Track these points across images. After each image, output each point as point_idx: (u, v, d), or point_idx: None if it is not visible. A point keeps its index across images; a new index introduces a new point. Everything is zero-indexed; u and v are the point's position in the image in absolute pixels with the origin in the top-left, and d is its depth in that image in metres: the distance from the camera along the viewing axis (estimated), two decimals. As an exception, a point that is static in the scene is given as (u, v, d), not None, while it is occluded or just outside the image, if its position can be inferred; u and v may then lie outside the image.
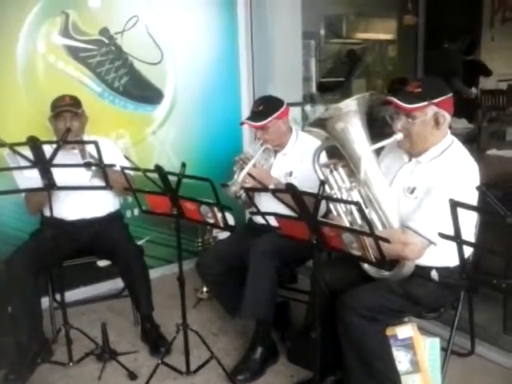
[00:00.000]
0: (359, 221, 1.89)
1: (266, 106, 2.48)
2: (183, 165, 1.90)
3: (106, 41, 3.05)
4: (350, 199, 1.88)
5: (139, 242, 3.34)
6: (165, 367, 2.24)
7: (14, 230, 2.85)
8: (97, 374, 2.36)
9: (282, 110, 2.50)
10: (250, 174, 2.32)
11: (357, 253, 1.52)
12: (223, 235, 3.37)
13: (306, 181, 2.21)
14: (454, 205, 1.15)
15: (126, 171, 2.20)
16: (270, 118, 2.44)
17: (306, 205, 1.55)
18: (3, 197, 2.57)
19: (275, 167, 2.59)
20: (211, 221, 1.98)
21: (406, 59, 6.95)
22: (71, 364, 2.37)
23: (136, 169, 2.12)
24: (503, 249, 1.19)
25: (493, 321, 2.56)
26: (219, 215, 1.92)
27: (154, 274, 3.24)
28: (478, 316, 2.38)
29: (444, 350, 2.11)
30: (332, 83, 6.42)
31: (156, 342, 2.53)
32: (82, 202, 2.58)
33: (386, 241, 1.40)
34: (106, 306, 3.05)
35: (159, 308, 2.74)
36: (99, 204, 2.64)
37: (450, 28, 6.52)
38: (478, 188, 1.13)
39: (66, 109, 2.53)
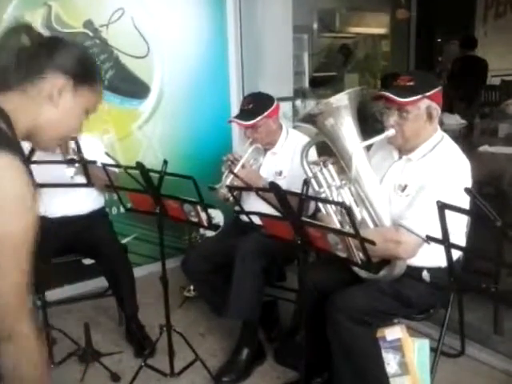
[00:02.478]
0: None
1: (256, 104, 2.41)
2: (165, 162, 1.83)
3: (91, 34, 2.97)
4: (339, 198, 1.83)
5: (125, 240, 3.29)
6: (149, 369, 2.19)
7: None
8: (79, 376, 2.30)
9: (272, 108, 2.44)
10: (237, 176, 2.25)
11: (342, 254, 1.47)
12: (211, 233, 3.32)
13: (296, 180, 2.15)
14: (442, 207, 1.09)
15: (110, 169, 2.14)
16: (259, 117, 2.37)
17: (289, 204, 1.50)
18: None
19: (264, 167, 2.53)
20: (195, 219, 1.92)
21: (400, 54, 6.90)
22: (52, 366, 2.31)
23: (117, 166, 2.06)
24: (493, 252, 1.14)
25: (483, 320, 2.52)
26: (203, 214, 1.86)
27: (140, 271, 3.19)
28: (468, 315, 2.33)
29: (434, 350, 2.07)
30: (324, 78, 6.37)
31: (141, 342, 2.48)
32: (65, 199, 2.51)
33: (372, 243, 1.35)
34: (91, 305, 2.99)
35: (145, 307, 2.69)
36: (82, 201, 2.57)
37: (442, 23, 6.49)
38: (467, 190, 1.07)
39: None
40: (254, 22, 3.54)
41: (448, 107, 4.50)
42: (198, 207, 1.85)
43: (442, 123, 4.57)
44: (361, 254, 1.45)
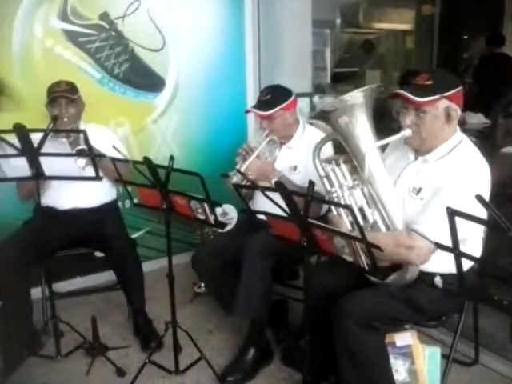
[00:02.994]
0: (361, 222, 1.79)
1: (274, 96, 2.37)
2: (171, 158, 1.80)
3: (106, 26, 2.95)
4: (351, 198, 1.78)
5: (138, 234, 3.29)
6: (153, 365, 2.17)
7: (12, 218, 2.78)
8: (85, 369, 2.30)
9: (290, 100, 2.40)
10: (244, 175, 2.21)
11: (349, 258, 1.42)
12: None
13: (310, 176, 2.09)
14: (452, 214, 1.03)
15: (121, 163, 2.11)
16: (276, 108, 2.34)
17: (295, 204, 1.45)
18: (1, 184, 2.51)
19: (279, 160, 2.48)
20: (202, 217, 1.89)
21: (424, 51, 6.75)
22: (59, 358, 2.31)
23: (125, 160, 2.04)
24: (506, 263, 1.07)
25: (499, 327, 2.44)
26: (209, 211, 1.82)
27: (152, 265, 3.19)
28: (483, 321, 2.25)
29: (447, 357, 2.00)
30: (346, 74, 6.27)
31: (148, 337, 2.47)
32: (76, 191, 2.50)
33: (378, 248, 1.29)
34: (102, 297, 2.98)
35: (155, 301, 2.68)
36: (94, 194, 2.55)
37: (469, 19, 6.30)
38: (478, 197, 1.01)
39: (62, 95, 2.45)
40: (273, 16, 3.48)
41: (472, 106, 4.38)
42: (205, 205, 1.81)
43: (464, 122, 4.48)
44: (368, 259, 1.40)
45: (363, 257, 1.37)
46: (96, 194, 2.57)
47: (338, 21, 6.33)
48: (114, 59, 3.02)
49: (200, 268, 2.43)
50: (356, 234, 1.36)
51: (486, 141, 3.71)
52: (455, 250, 1.10)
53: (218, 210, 3.24)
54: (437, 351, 1.98)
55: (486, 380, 2.21)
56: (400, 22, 6.80)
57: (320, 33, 5.89)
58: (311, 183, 1.39)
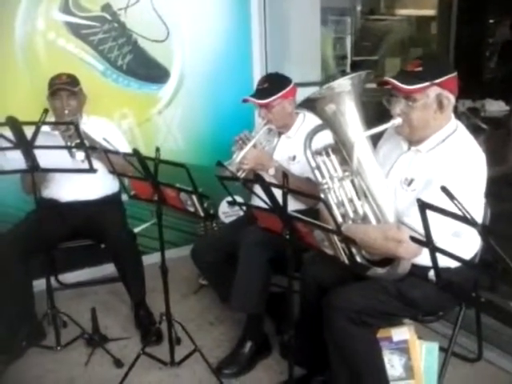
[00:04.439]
0: (351, 214, 1.74)
1: (272, 84, 2.33)
2: (157, 149, 1.78)
3: (109, 17, 2.95)
4: (341, 190, 1.73)
5: (145, 225, 3.29)
6: (147, 357, 2.17)
7: (16, 209, 2.83)
8: (84, 360, 2.33)
9: (288, 88, 2.34)
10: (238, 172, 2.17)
11: (329, 252, 1.38)
12: (229, 219, 3.27)
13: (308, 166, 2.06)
14: (423, 206, 0.98)
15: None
16: (274, 97, 2.29)
17: (275, 197, 1.41)
18: (4, 176, 2.54)
19: (278, 150, 2.44)
20: (191, 209, 1.87)
21: (446, 36, 6.54)
22: (59, 348, 2.34)
23: (116, 152, 2.02)
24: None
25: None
26: (197, 203, 1.80)
27: (156, 257, 3.18)
28: (487, 316, 2.17)
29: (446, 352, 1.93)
30: (365, 62, 6.15)
31: (148, 329, 2.47)
32: (78, 184, 2.51)
33: (353, 242, 1.24)
34: (108, 289, 3.00)
35: (156, 294, 2.67)
36: (95, 186, 2.57)
37: (495, 2, 6.07)
38: (443, 189, 0.96)
39: (62, 87, 2.46)
40: (280, 4, 3.42)
41: (495, 93, 4.24)
42: (194, 197, 1.79)
43: (484, 110, 4.33)
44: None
45: (343, 250, 1.32)
46: (98, 186, 2.58)
47: (359, 8, 6.21)
48: (117, 51, 3.02)
49: (199, 260, 2.42)
50: (333, 226, 1.32)
51: (503, 128, 3.59)
52: (429, 244, 1.05)
53: (223, 203, 3.25)
54: (435, 347, 1.91)
55: (489, 377, 2.14)
56: (423, 8, 6.61)
57: (340, 21, 5.80)
58: (285, 175, 1.35)
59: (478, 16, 6.37)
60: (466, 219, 0.89)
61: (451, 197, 0.91)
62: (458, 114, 3.53)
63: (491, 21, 6.63)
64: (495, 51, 5.83)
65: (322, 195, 1.73)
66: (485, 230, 0.86)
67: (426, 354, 1.91)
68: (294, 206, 2.00)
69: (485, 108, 4.35)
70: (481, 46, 6.43)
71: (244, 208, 1.73)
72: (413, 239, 1.14)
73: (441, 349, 1.91)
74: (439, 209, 0.97)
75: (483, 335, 2.16)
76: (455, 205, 0.92)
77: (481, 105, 4.38)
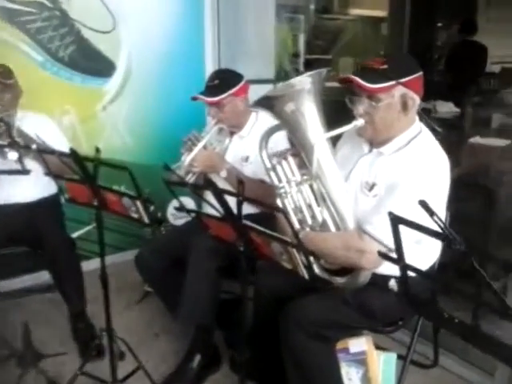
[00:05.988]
0: (309, 220, 1.63)
1: (222, 81, 2.20)
2: (97, 150, 1.60)
3: (49, 4, 2.72)
4: (299, 195, 1.62)
5: (85, 229, 3.07)
6: (86, 376, 1.98)
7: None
8: (15, 382, 2.10)
9: (239, 86, 2.23)
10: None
11: (287, 265, 1.26)
12: (179, 221, 3.10)
13: (262, 167, 1.93)
14: (395, 220, 0.88)
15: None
16: (225, 94, 2.18)
17: (227, 204, 1.28)
18: None
19: (230, 151, 2.31)
20: (135, 215, 1.70)
21: (397, 37, 6.62)
22: (-15, 370, 2.12)
23: (50, 152, 1.83)
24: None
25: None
26: (141, 209, 1.64)
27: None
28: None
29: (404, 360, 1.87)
30: (317, 60, 6.13)
31: (88, 344, 2.27)
32: (10, 186, 2.31)
33: (312, 254, 1.13)
34: (44, 298, 2.77)
35: (100, 303, 2.48)
36: (29, 188, 2.36)
37: (443, 7, 6.18)
38: (421, 203, 0.86)
39: (-6, 79, 2.23)
40: (233, -3, 3.29)
41: (445, 95, 4.27)
42: (138, 202, 1.63)
43: (435, 111, 4.37)
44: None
45: (301, 262, 1.21)
46: (32, 188, 2.38)
47: (312, 7, 6.17)
48: (58, 41, 2.79)
49: (144, 267, 2.26)
50: (291, 239, 1.20)
51: (454, 130, 3.60)
52: (400, 261, 0.94)
53: (172, 204, 3.08)
54: (393, 357, 1.85)
55: (443, 383, 2.09)
56: (375, 9, 6.66)
57: (294, 18, 5.75)
58: (240, 182, 1.22)
59: (428, 19, 6.49)
60: (447, 238, 0.79)
61: (431, 213, 0.81)
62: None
63: (439, 24, 6.79)
64: (443, 54, 5.95)
65: (279, 199, 1.62)
66: (470, 252, 0.76)
67: (384, 364, 1.84)
68: (248, 209, 1.88)
69: (436, 109, 4.38)
70: (430, 48, 6.56)
71: (193, 215, 1.58)
72: (381, 255, 1.04)
73: (398, 356, 1.85)
74: (414, 224, 0.87)
75: (440, 341, 2.12)
76: (435, 221, 0.82)
77: (432, 106, 4.41)
